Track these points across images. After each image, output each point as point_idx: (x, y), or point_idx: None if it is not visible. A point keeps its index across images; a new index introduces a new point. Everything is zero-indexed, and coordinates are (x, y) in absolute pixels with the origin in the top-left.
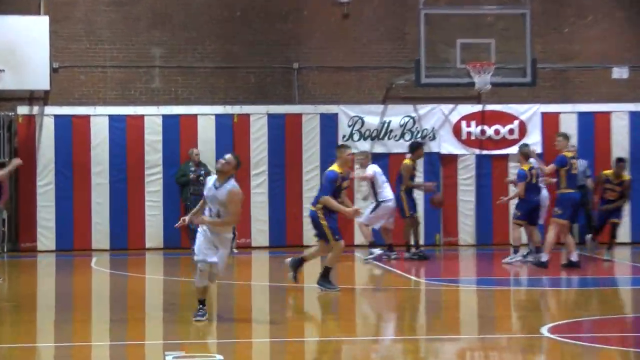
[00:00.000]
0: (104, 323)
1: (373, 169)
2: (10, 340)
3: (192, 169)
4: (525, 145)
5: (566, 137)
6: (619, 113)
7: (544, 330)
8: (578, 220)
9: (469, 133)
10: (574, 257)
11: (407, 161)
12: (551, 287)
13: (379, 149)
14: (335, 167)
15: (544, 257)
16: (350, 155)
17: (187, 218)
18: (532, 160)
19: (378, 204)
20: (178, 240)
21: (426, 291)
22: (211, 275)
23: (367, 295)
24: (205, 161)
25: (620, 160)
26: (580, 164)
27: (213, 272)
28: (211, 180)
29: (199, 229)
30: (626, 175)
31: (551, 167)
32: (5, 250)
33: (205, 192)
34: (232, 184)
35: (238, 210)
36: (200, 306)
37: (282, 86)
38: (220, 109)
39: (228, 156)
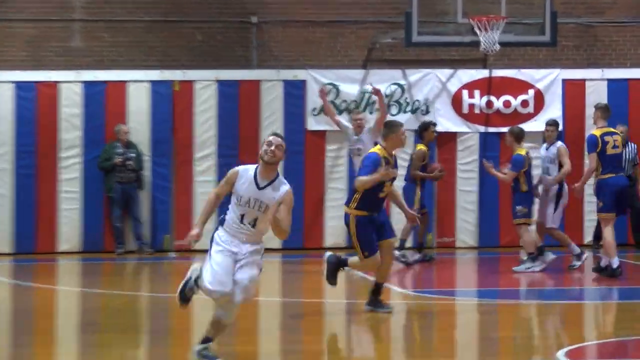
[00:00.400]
0: (3, 349)
1: None
2: None
3: (120, 150)
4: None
5: (605, 109)
6: None
7: (561, 356)
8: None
9: (471, 105)
10: (615, 263)
11: (420, 146)
12: (576, 300)
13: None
14: (377, 149)
15: (615, 263)
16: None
17: (196, 232)
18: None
19: None
20: (100, 243)
21: (416, 306)
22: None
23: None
24: (137, 141)
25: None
26: (630, 150)
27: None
28: (245, 174)
29: (217, 248)
30: None
31: (566, 164)
32: None
33: (240, 192)
34: (285, 181)
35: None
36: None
37: (237, 45)
38: (156, 75)
39: (276, 138)
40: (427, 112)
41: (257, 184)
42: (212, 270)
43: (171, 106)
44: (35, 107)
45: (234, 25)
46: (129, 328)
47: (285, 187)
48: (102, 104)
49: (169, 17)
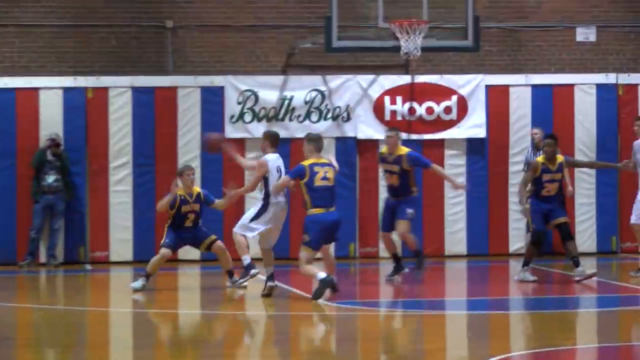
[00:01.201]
0: None
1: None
2: None
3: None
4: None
5: None
6: (584, 86)
7: None
8: None
9: (393, 112)
10: None
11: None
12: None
13: (280, 132)
14: None
15: None
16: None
17: None
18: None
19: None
20: (13, 254)
21: (337, 317)
22: None
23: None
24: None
25: (549, 137)
26: None
27: None
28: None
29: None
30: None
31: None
32: None
33: None
34: None
35: None
36: None
37: (152, 51)
38: (69, 81)
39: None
40: (349, 118)
41: None
42: None
43: (84, 113)
44: None
45: (149, 29)
46: (47, 343)
47: None
48: (13, 111)
49: (82, 21)
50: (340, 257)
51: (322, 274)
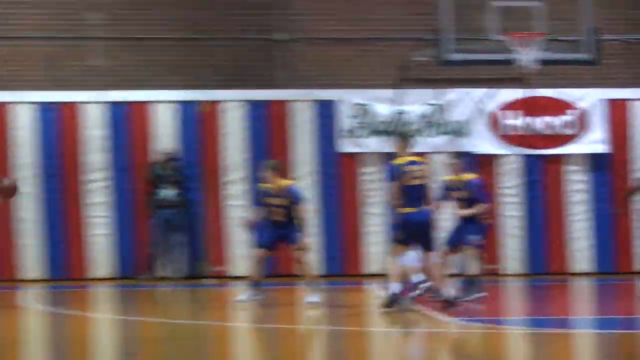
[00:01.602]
0: None
1: None
2: None
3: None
4: None
5: None
6: None
7: None
8: None
9: (511, 127)
10: None
11: None
12: None
13: (392, 147)
14: None
15: None
16: None
17: None
18: None
19: None
20: (133, 268)
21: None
22: None
23: None
24: None
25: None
26: None
27: None
28: None
29: None
30: None
31: None
32: None
33: None
34: None
35: None
36: None
37: (265, 65)
38: (183, 95)
39: None
40: (464, 133)
41: None
42: None
43: (199, 128)
44: (54, 129)
45: (262, 43)
46: (169, 358)
47: None
48: (126, 125)
49: (196, 34)
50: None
51: (396, 287)
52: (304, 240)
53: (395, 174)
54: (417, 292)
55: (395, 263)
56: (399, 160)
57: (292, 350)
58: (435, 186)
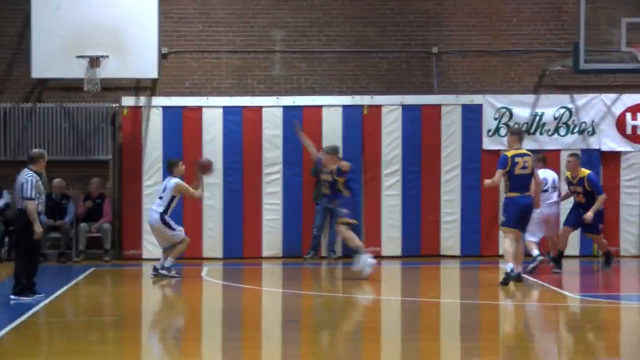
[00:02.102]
0: (217, 340)
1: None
2: None
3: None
4: None
5: None
6: None
7: None
8: None
9: (634, 127)
10: None
11: None
12: None
13: (529, 145)
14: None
15: None
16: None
17: None
18: None
19: None
20: (299, 249)
21: (582, 307)
22: None
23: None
24: None
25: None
26: None
27: None
28: None
29: None
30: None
31: None
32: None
33: None
34: None
35: None
36: None
37: (419, 73)
38: (348, 100)
39: None
40: (593, 133)
41: None
42: None
43: (361, 127)
44: (241, 129)
45: (417, 55)
46: (324, 325)
47: None
48: (300, 125)
49: (360, 48)
50: (584, 255)
51: (510, 266)
52: None
53: (505, 164)
54: (533, 265)
55: (508, 243)
56: (510, 152)
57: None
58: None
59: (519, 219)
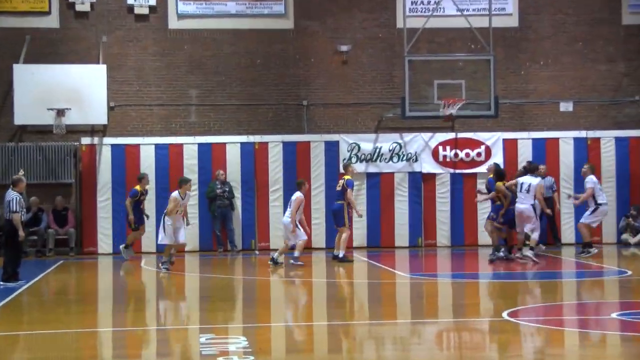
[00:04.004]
0: (152, 311)
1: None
2: (77, 326)
3: (219, 186)
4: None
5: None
6: (566, 139)
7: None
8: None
9: (444, 156)
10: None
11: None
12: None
13: (372, 169)
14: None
15: None
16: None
17: None
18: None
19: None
20: (210, 244)
21: (410, 284)
22: None
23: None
24: (233, 180)
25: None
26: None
27: None
28: None
29: None
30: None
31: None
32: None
33: None
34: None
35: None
36: None
37: (294, 119)
38: (244, 139)
39: None
40: (417, 160)
41: None
42: None
43: (253, 159)
44: (167, 160)
45: (293, 106)
46: (230, 298)
47: None
48: (210, 157)
49: (252, 102)
50: (411, 245)
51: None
52: None
53: None
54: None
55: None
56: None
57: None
58: None
59: None
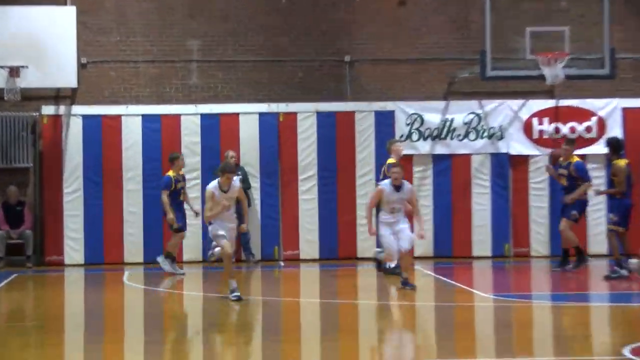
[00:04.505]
0: (138, 344)
1: None
2: None
3: None
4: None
5: None
6: None
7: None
8: None
9: (541, 131)
10: None
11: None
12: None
13: (440, 149)
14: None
15: None
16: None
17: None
18: None
19: None
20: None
21: (495, 308)
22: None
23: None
24: (249, 164)
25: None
26: None
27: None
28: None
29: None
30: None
31: None
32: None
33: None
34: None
35: None
36: None
37: (332, 81)
38: (264, 107)
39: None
40: (502, 137)
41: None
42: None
43: (277, 134)
44: (160, 137)
45: (330, 63)
46: (244, 328)
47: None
48: (218, 133)
49: (274, 57)
50: (495, 255)
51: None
52: None
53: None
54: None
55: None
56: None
57: None
58: None
59: None
